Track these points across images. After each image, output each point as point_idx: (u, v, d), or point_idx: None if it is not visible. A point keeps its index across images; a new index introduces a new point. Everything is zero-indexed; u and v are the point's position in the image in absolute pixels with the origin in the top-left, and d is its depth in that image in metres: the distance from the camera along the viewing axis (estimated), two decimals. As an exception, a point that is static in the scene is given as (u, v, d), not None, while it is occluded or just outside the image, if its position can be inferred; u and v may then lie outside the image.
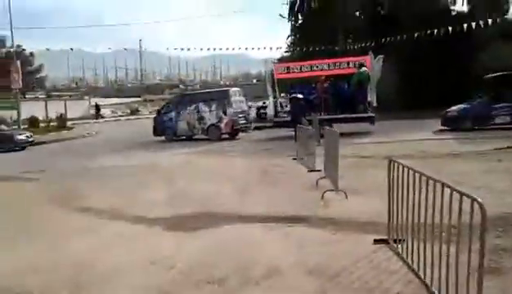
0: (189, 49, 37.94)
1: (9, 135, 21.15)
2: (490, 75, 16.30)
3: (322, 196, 6.84)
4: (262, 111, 21.39)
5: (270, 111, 18.45)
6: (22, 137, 20.98)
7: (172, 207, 7.16)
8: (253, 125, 21.36)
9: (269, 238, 5.28)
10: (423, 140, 13.20)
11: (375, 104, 16.34)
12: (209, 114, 19.14)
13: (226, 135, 19.18)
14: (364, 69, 16.20)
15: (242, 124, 19.56)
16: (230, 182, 8.88)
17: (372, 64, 16.48)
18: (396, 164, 4.38)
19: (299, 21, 32.14)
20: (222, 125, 18.91)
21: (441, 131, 15.53)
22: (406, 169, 4.11)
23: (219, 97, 19.40)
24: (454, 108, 16.01)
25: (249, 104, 22.58)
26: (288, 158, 11.40)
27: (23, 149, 20.46)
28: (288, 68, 18.61)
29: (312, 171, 9.06)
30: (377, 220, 5.23)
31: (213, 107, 19.09)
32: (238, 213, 6.49)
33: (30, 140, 21.41)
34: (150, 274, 4.43)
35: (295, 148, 11.64)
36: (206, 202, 7.26)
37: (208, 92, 21.86)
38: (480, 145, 11.31)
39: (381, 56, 16.71)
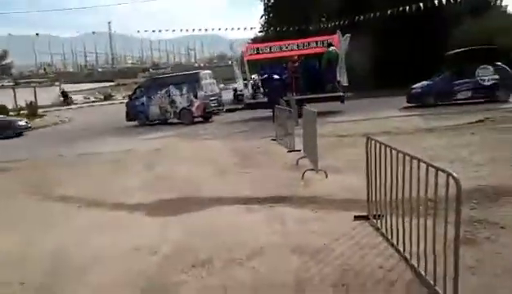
0: (160, 31, 37.51)
1: (10, 121, 21.90)
2: (451, 52, 16.76)
3: (303, 176, 6.91)
4: (239, 93, 21.30)
5: (246, 92, 18.41)
6: (22, 123, 21.63)
7: (153, 192, 7.10)
8: (225, 107, 21.27)
9: (251, 219, 5.32)
10: (395, 117, 13.45)
11: (345, 83, 16.46)
12: (180, 98, 19.04)
13: (199, 119, 19.11)
14: (332, 48, 16.27)
15: (214, 107, 19.48)
16: (210, 165, 8.83)
17: (340, 43, 16.55)
18: (373, 142, 4.46)
19: (272, 0, 31.85)
20: (194, 108, 18.81)
21: (406, 108, 15.85)
22: (383, 146, 4.19)
23: (189, 80, 19.22)
24: (418, 85, 16.42)
25: (221, 86, 22.41)
26: (267, 138, 11.41)
27: (20, 135, 20.62)
28: (257, 49, 18.55)
29: (291, 151, 9.12)
30: (357, 197, 5.32)
31: (184, 90, 18.98)
32: (220, 196, 6.48)
33: (29, 125, 22.07)
34: (134, 260, 4.39)
35: (273, 129, 11.66)
36: (187, 186, 7.22)
37: (179, 75, 21.56)
38: (448, 120, 11.58)
39: (348, 35, 16.78)
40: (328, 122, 13.36)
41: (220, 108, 20.26)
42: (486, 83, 15.11)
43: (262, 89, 17.92)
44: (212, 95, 19.39)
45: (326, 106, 15.89)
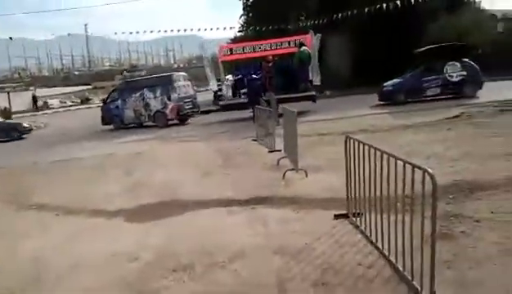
0: (138, 32, 37.11)
1: (16, 123, 22.72)
2: (420, 49, 17.14)
3: (283, 176, 6.96)
4: (219, 93, 21.34)
5: (226, 93, 18.43)
6: (26, 125, 22.18)
7: (132, 197, 7.04)
8: (201, 109, 21.02)
9: (233, 222, 5.34)
10: (369, 115, 13.61)
11: (317, 83, 16.69)
12: (154, 101, 18.84)
13: (175, 121, 19.01)
14: (304, 47, 16.39)
15: (189, 109, 19.29)
16: (189, 168, 8.80)
17: (312, 43, 16.78)
18: (352, 140, 4.53)
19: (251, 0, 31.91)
20: (168, 111, 18.64)
21: (378, 105, 16.12)
22: (361, 145, 4.26)
23: (163, 83, 18.97)
24: (389, 82, 16.70)
25: (195, 88, 22.27)
26: (247, 139, 11.40)
27: (21, 138, 20.86)
28: (231, 49, 18.79)
29: (272, 151, 9.15)
30: (337, 195, 5.38)
31: (158, 93, 18.80)
32: (200, 199, 6.46)
33: (32, 128, 22.60)
34: (113, 267, 4.37)
35: (253, 129, 11.66)
36: (167, 190, 7.18)
37: (152, 78, 21.37)
38: (423, 117, 11.70)
39: (319, 35, 17.22)
40: (305, 121, 13.40)
41: (195, 110, 20.01)
42: (454, 79, 15.45)
43: (237, 89, 17.89)
44: (186, 97, 19.16)
45: (303, 106, 15.94)
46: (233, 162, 8.95)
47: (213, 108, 21.68)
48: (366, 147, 4.12)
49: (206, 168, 8.56)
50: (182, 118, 19.24)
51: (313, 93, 16.42)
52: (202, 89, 31.19)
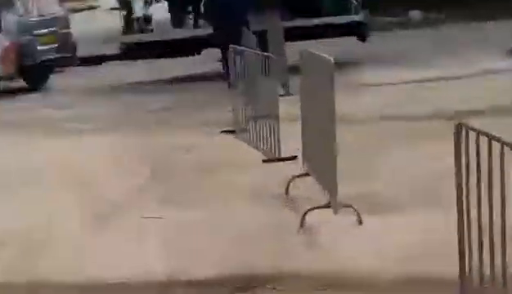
0: None
1: None
2: None
3: (302, 221, 4.59)
4: (143, 14, 14.12)
5: (146, 15, 12.79)
6: None
7: None
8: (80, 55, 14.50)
9: None
10: (505, 72, 10.04)
11: None
12: None
13: (15, 83, 12.87)
14: None
15: (48, 53, 12.61)
16: (71, 199, 5.75)
17: None
18: (469, 133, 3.04)
19: None
20: None
21: None
22: (494, 144, 2.95)
23: None
24: None
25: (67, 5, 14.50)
26: (211, 129, 8.08)
27: None
28: None
29: (272, 160, 6.61)
30: (434, 270, 3.66)
31: None
32: (98, 276, 4.03)
33: None
34: None
35: (228, 104, 8.31)
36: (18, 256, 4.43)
37: None
38: None
39: None
40: (353, 85, 9.79)
41: (67, 55, 13.16)
42: None
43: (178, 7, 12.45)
44: (42, 25, 12.51)
45: (345, 46, 11.80)
46: (181, 188, 5.99)
47: (117, 51, 14.57)
48: (507, 150, 2.73)
49: (115, 204, 5.68)
50: (33, 74, 12.49)
51: (362, 19, 11.50)
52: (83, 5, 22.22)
